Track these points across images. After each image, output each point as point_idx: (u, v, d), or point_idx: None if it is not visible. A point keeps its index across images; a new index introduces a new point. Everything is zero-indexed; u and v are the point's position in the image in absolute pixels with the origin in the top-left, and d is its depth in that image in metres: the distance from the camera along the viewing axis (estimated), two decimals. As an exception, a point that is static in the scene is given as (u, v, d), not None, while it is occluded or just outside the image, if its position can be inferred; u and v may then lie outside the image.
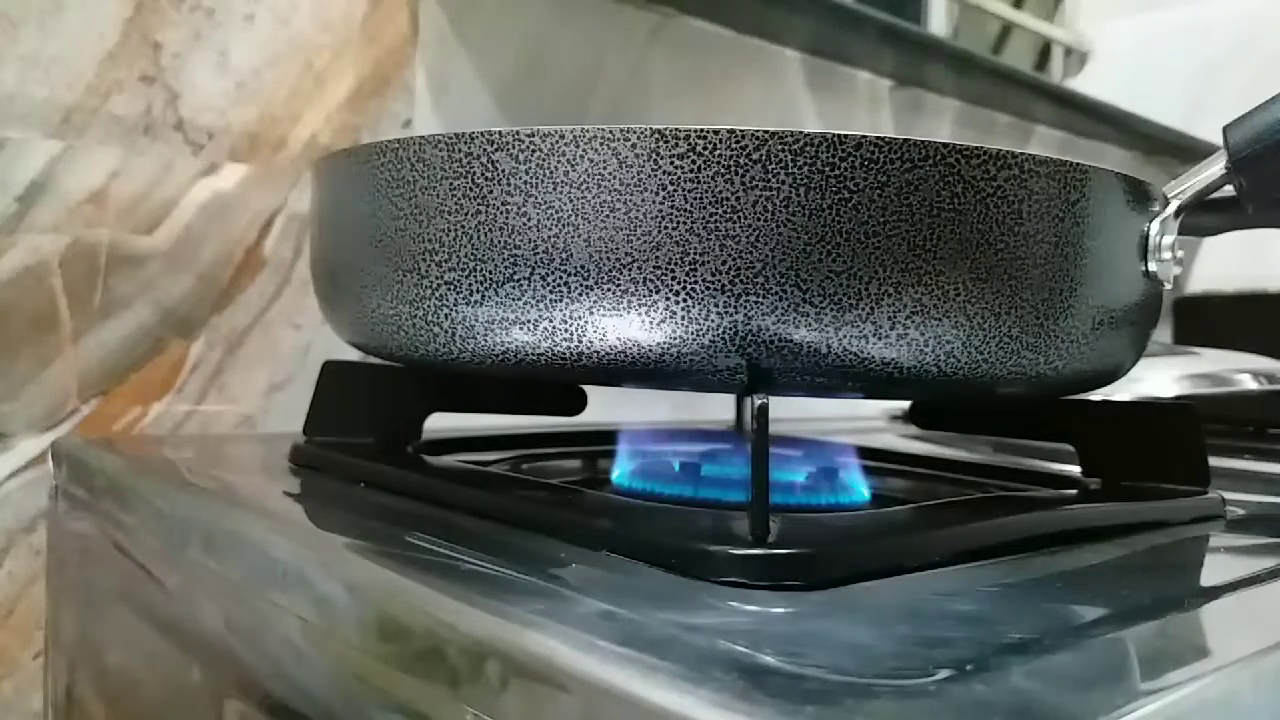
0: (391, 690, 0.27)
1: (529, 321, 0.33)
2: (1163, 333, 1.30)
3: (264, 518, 0.38)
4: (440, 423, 0.50)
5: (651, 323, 0.32)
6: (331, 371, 0.49)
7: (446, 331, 0.35)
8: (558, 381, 0.52)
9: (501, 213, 0.33)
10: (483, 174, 0.33)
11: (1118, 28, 1.44)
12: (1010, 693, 0.20)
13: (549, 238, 0.32)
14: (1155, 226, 0.38)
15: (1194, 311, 1.33)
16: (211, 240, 0.63)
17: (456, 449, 0.51)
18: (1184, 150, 1.29)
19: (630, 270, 0.32)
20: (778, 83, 0.96)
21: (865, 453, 0.49)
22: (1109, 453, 0.44)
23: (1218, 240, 0.65)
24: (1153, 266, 0.38)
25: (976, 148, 0.32)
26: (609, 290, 0.32)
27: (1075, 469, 0.45)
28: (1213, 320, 1.31)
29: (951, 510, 0.36)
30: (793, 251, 0.31)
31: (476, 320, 0.34)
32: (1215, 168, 0.40)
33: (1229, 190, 0.41)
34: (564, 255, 0.32)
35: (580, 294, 0.32)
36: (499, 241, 0.33)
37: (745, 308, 0.31)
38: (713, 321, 0.31)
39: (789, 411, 0.66)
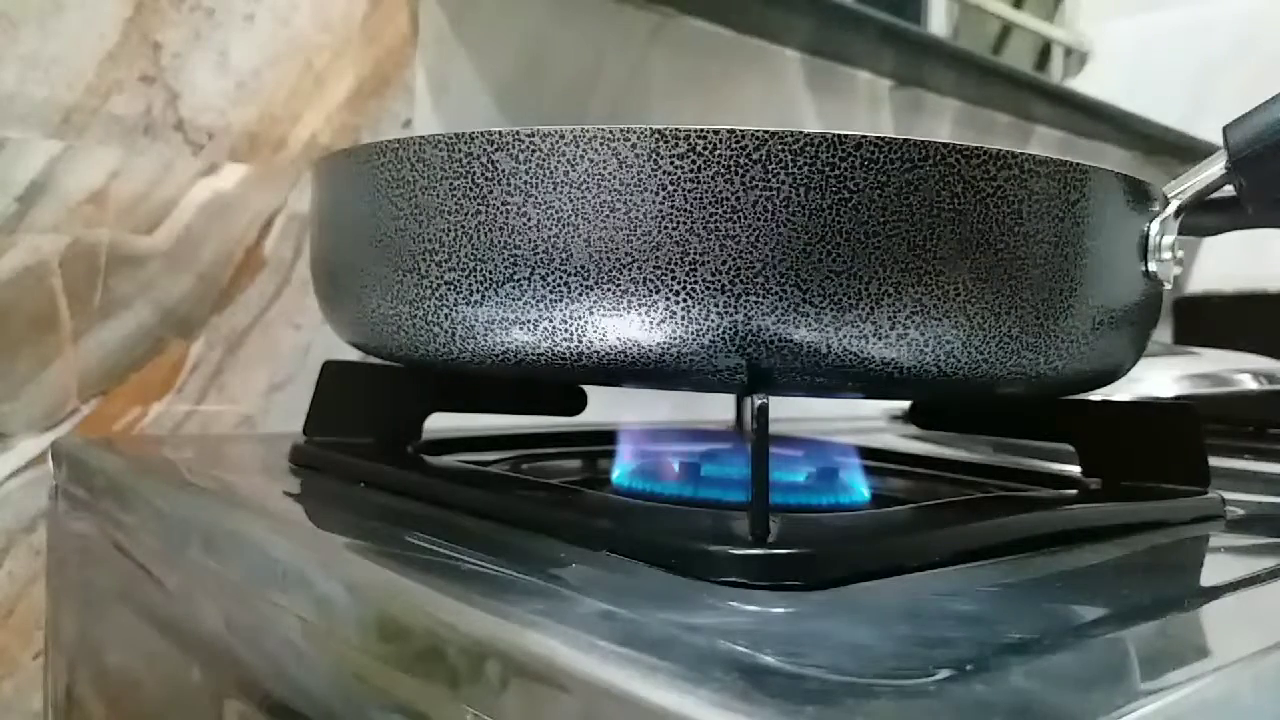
0: (391, 690, 0.27)
1: (529, 321, 0.33)
2: (1163, 333, 1.30)
3: (264, 518, 0.38)
4: (440, 423, 0.50)
5: (651, 323, 0.32)
6: (331, 371, 0.49)
7: (446, 331, 0.35)
8: (558, 381, 0.52)
9: (501, 213, 0.33)
10: (483, 174, 0.33)
11: (1118, 28, 1.44)
12: (1010, 693, 0.20)
13: (549, 238, 0.32)
14: (1155, 226, 0.38)
15: (1194, 311, 1.33)
16: (211, 240, 0.63)
17: (456, 449, 0.51)
18: (1184, 150, 1.29)
19: (630, 270, 0.32)
20: (778, 83, 0.96)
21: (865, 453, 0.49)
22: (1109, 453, 0.44)
23: (1218, 240, 0.65)
24: (1153, 266, 0.38)
25: (976, 148, 0.32)
26: (609, 290, 0.32)
27: (1075, 469, 0.45)
28: (1213, 320, 1.31)
29: (951, 510, 0.36)
30: (793, 251, 0.31)
31: (476, 320, 0.34)
32: (1215, 168, 0.40)
33: (1229, 190, 0.41)
34: (564, 255, 0.32)
35: (580, 294, 0.32)
36: (499, 241, 0.33)
37: (745, 308, 0.31)
38: (713, 321, 0.31)
39: (789, 411, 0.66)
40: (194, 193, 0.62)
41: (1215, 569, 0.36)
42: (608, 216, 0.32)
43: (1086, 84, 1.39)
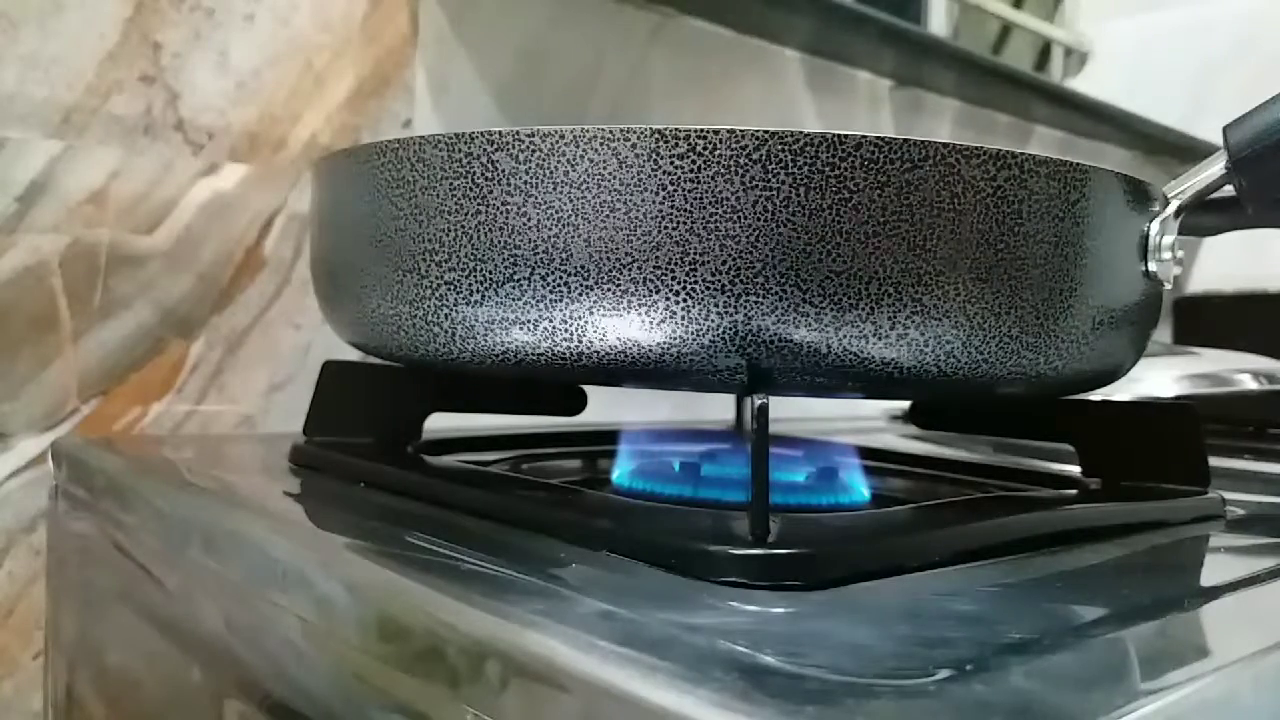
0: (391, 690, 0.27)
1: (529, 321, 0.33)
2: (1163, 333, 1.30)
3: (264, 518, 0.38)
4: (440, 423, 0.50)
5: (651, 323, 0.32)
6: (331, 371, 0.49)
7: (446, 331, 0.35)
8: (558, 381, 0.52)
9: (501, 213, 0.33)
10: (483, 174, 0.33)
11: (1118, 28, 1.44)
12: (1010, 693, 0.20)
13: (549, 238, 0.32)
14: (1155, 226, 0.38)
15: (1194, 311, 1.33)
16: (211, 240, 0.63)
17: (456, 449, 0.51)
18: (1184, 150, 1.29)
19: (630, 270, 0.32)
20: (778, 83, 0.96)
21: (865, 453, 0.49)
22: (1109, 453, 0.44)
23: (1218, 240, 0.65)
24: (1153, 266, 0.38)
25: (976, 148, 0.32)
26: (609, 290, 0.32)
27: (1075, 469, 0.45)
28: (1213, 320, 1.31)
29: (951, 510, 0.36)
30: (793, 251, 0.31)
31: (476, 320, 0.34)
32: (1215, 168, 0.40)
33: (1229, 190, 0.41)
34: (564, 255, 0.32)
35: (580, 294, 0.32)
36: (499, 241, 0.33)
37: (745, 308, 0.31)
38: (713, 321, 0.31)
39: (789, 411, 0.66)
40: (194, 193, 0.62)
41: (1215, 569, 0.36)
42: (608, 216, 0.32)
43: (1086, 84, 1.39)
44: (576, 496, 0.38)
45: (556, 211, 0.32)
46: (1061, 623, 0.27)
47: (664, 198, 0.31)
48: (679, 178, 0.31)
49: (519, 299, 0.33)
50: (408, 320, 0.36)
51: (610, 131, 0.32)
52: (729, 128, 0.31)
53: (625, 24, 0.83)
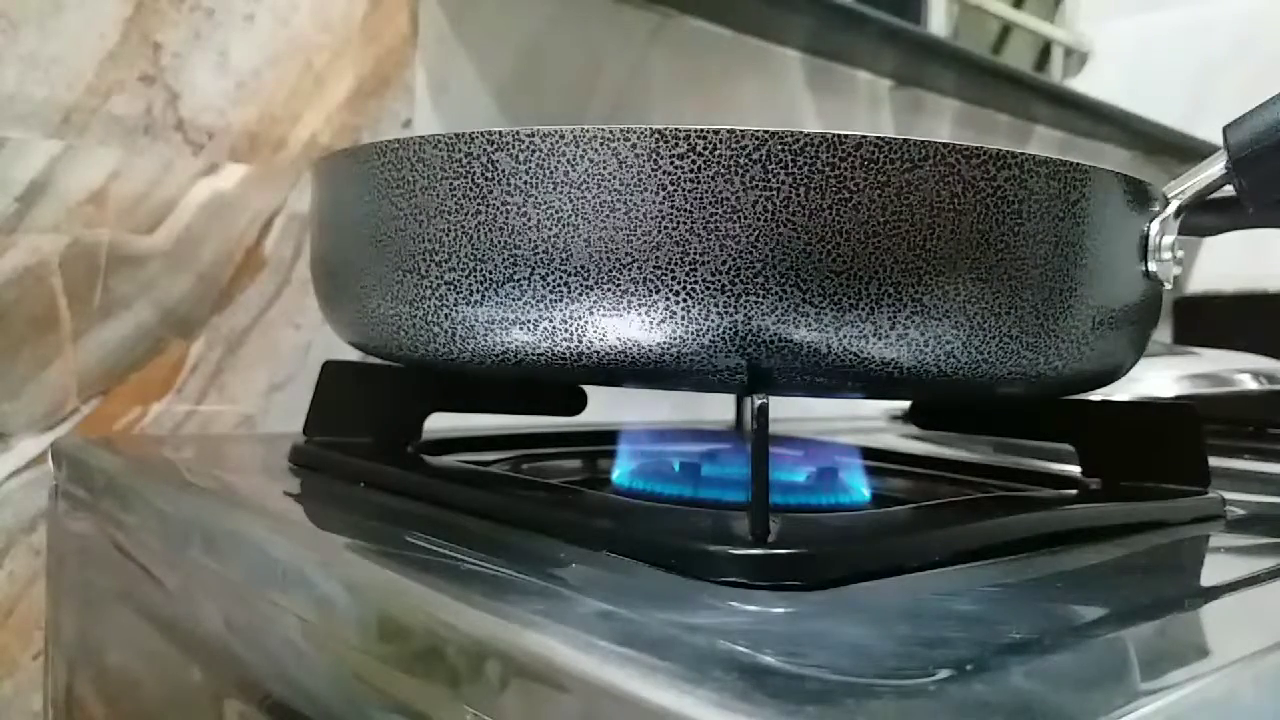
0: (391, 690, 0.27)
1: (529, 321, 0.33)
2: (1163, 333, 1.30)
3: (264, 518, 0.38)
4: (440, 423, 0.50)
5: (651, 323, 0.32)
6: (331, 371, 0.49)
7: (446, 331, 0.35)
8: (558, 381, 0.52)
9: (501, 213, 0.33)
10: (483, 174, 0.33)
11: (1118, 28, 1.44)
12: (1010, 693, 0.20)
13: (549, 238, 0.32)
14: (1155, 226, 0.38)
15: (1194, 311, 1.33)
16: (211, 240, 0.63)
17: (456, 449, 0.51)
18: (1184, 150, 1.29)
19: (630, 270, 0.32)
20: (778, 83, 0.96)
21: (865, 453, 0.49)
22: (1109, 453, 0.44)
23: (1218, 240, 0.65)
24: (1153, 266, 0.38)
25: (976, 148, 0.32)
26: (609, 290, 0.32)
27: (1075, 469, 0.45)
28: (1213, 320, 1.31)
29: (951, 510, 0.36)
30: (793, 251, 0.31)
31: (476, 320, 0.34)
32: (1215, 168, 0.40)
33: (1229, 190, 0.41)
34: (564, 255, 0.32)
35: (580, 294, 0.32)
36: (499, 241, 0.33)
37: (745, 308, 0.31)
38: (713, 321, 0.31)
39: (789, 411, 0.66)
40: (194, 193, 0.62)
41: (1215, 569, 0.36)
42: (608, 216, 0.32)
43: (1086, 84, 1.39)
44: (576, 496, 0.38)
45: (556, 211, 0.32)
46: (1061, 623, 0.27)
47: (664, 198, 0.31)
48: (679, 178, 0.31)
49: (519, 299, 0.33)
50: (408, 320, 0.36)
51: (610, 131, 0.32)
52: (729, 128, 0.31)
53: (625, 24, 0.83)
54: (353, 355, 0.45)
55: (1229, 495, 0.42)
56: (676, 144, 0.31)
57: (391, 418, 0.49)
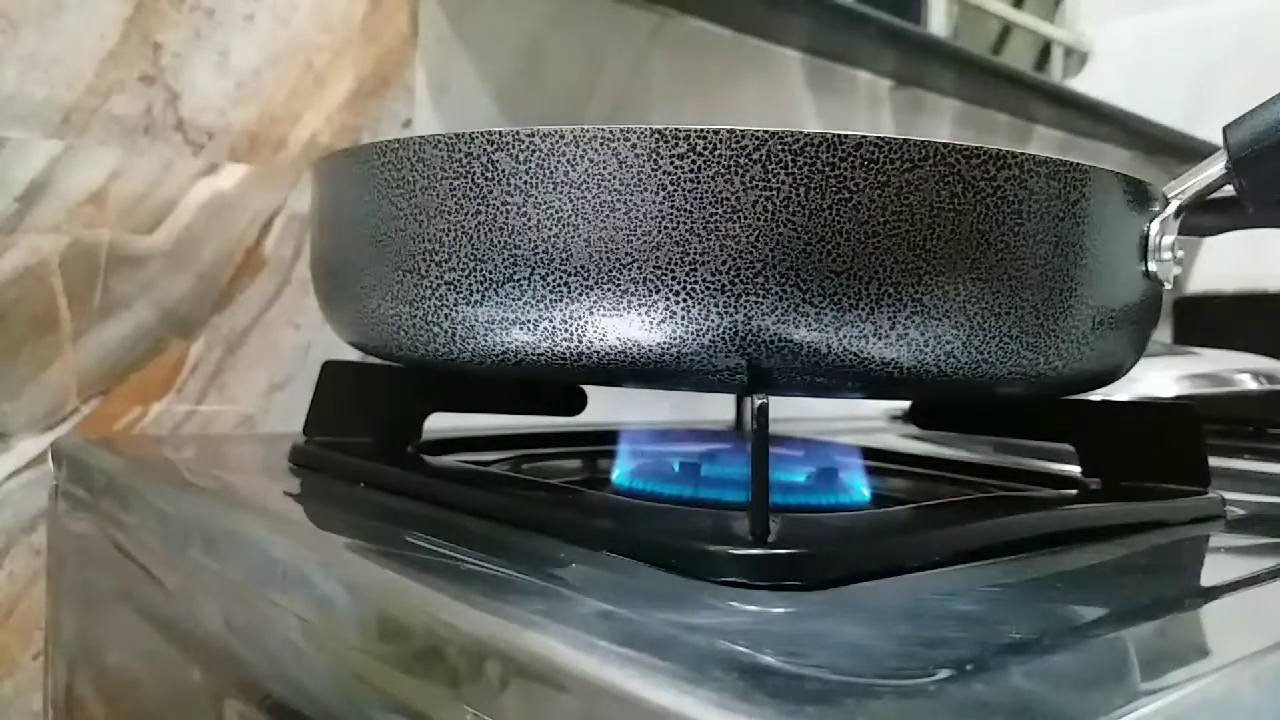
0: (391, 690, 0.27)
1: (529, 321, 0.33)
2: (1163, 333, 1.30)
3: (264, 518, 0.38)
4: (440, 423, 0.50)
5: (651, 323, 0.32)
6: (331, 371, 0.49)
7: (446, 331, 0.35)
8: (558, 381, 0.52)
9: (501, 213, 0.33)
10: (483, 174, 0.33)
11: (1118, 28, 1.44)
12: (1010, 693, 0.20)
13: (549, 238, 0.32)
14: (1155, 226, 0.38)
15: (1194, 311, 1.33)
16: (211, 240, 0.63)
17: (456, 449, 0.51)
18: (1184, 150, 1.29)
19: (630, 270, 0.32)
20: (778, 83, 0.96)
21: (865, 453, 0.49)
22: (1109, 453, 0.44)
23: (1218, 240, 0.65)
24: (1153, 266, 0.38)
25: (976, 148, 0.32)
26: (609, 290, 0.32)
27: (1075, 469, 0.45)
28: (1213, 320, 1.31)
29: (951, 510, 0.36)
30: (793, 251, 0.31)
31: (476, 320, 0.34)
32: (1215, 168, 0.40)
33: (1229, 190, 0.41)
34: (564, 255, 0.32)
35: (580, 294, 0.32)
36: (499, 241, 0.33)
37: (745, 308, 0.31)
38: (713, 321, 0.31)
39: (789, 411, 0.66)
40: (194, 193, 0.62)
41: (1215, 569, 0.36)
42: (608, 216, 0.32)
43: (1086, 84, 1.39)
44: (576, 496, 0.38)
45: (556, 211, 0.32)
46: (1061, 623, 0.27)
47: (664, 198, 0.31)
48: (679, 178, 0.31)
49: (519, 299, 0.33)
50: (408, 320, 0.36)
51: (610, 131, 0.32)
52: (729, 128, 0.31)
53: (625, 24, 0.83)
54: (353, 355, 0.45)
55: (1229, 495, 0.42)
56: (676, 144, 0.31)
57: (391, 418, 0.49)
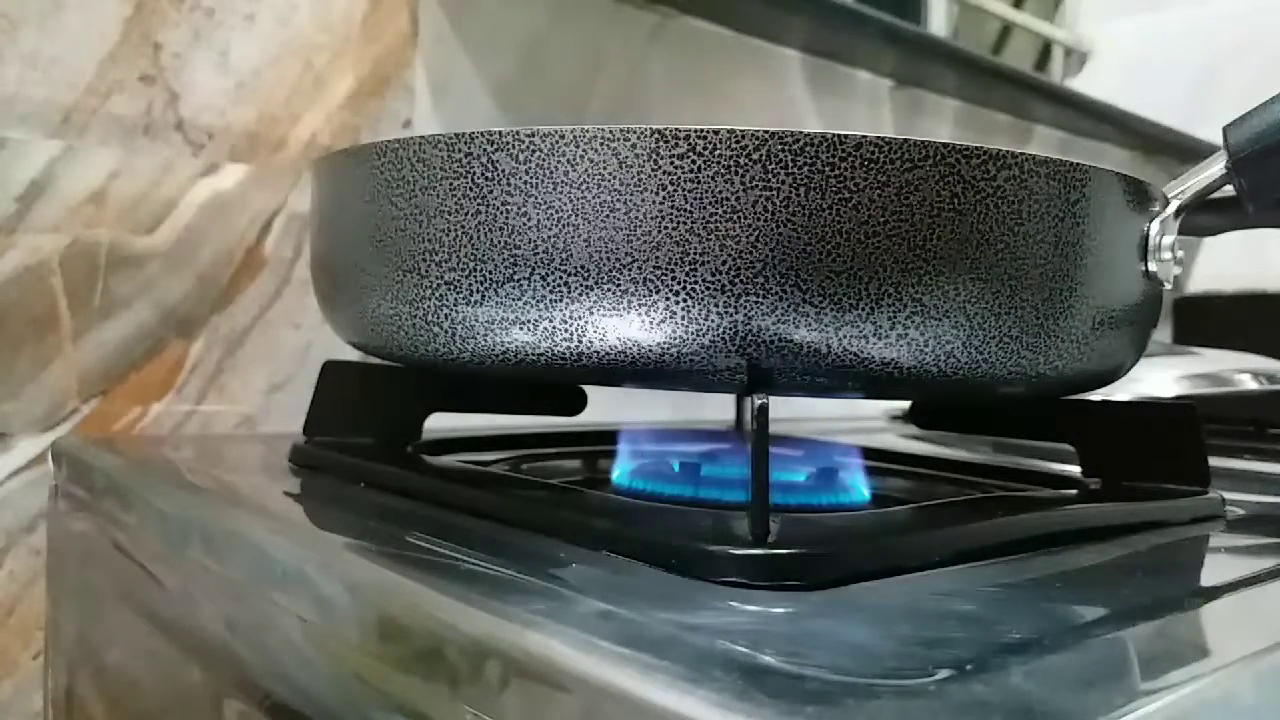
0: (391, 690, 0.27)
1: (529, 321, 0.33)
2: (1163, 333, 1.30)
3: (264, 518, 0.38)
4: (440, 423, 0.50)
5: (651, 323, 0.32)
6: (331, 371, 0.49)
7: (446, 331, 0.35)
8: (558, 381, 0.52)
9: (501, 213, 0.33)
10: (483, 174, 0.33)
11: (1118, 28, 1.44)
12: (1010, 693, 0.20)
13: (549, 238, 0.32)
14: (1155, 226, 0.38)
15: (1194, 311, 1.33)
16: (211, 240, 0.63)
17: (456, 449, 0.51)
18: (1184, 150, 1.29)
19: (630, 270, 0.32)
20: (778, 83, 0.96)
21: (865, 453, 0.49)
22: (1109, 453, 0.44)
23: (1218, 240, 0.65)
24: (1153, 266, 0.38)
25: (976, 148, 0.32)
26: (609, 290, 0.32)
27: (1075, 469, 0.45)
28: (1213, 320, 1.31)
29: (951, 510, 0.36)
30: (793, 251, 0.31)
31: (476, 320, 0.34)
32: (1215, 168, 0.40)
33: (1229, 190, 0.41)
34: (564, 255, 0.32)
35: (580, 294, 0.32)
36: (499, 241, 0.33)
37: (745, 308, 0.31)
38: (713, 321, 0.31)
39: (789, 411, 0.66)
40: (194, 193, 0.62)
41: (1215, 569, 0.36)
42: (608, 216, 0.32)
43: (1086, 84, 1.39)
44: (576, 496, 0.38)
45: (556, 211, 0.32)
46: (1061, 623, 0.27)
47: (664, 198, 0.31)
48: (679, 178, 0.31)
49: (519, 299, 0.33)
50: (408, 320, 0.36)
51: (610, 131, 0.32)
52: (729, 128, 0.31)
53: (625, 24, 0.83)
54: (353, 355, 0.45)
55: (1229, 495, 0.42)
56: (676, 144, 0.31)
57: (391, 418, 0.49)
